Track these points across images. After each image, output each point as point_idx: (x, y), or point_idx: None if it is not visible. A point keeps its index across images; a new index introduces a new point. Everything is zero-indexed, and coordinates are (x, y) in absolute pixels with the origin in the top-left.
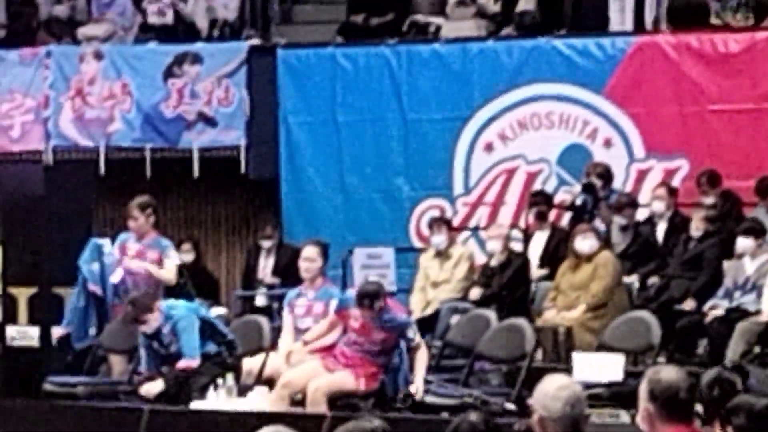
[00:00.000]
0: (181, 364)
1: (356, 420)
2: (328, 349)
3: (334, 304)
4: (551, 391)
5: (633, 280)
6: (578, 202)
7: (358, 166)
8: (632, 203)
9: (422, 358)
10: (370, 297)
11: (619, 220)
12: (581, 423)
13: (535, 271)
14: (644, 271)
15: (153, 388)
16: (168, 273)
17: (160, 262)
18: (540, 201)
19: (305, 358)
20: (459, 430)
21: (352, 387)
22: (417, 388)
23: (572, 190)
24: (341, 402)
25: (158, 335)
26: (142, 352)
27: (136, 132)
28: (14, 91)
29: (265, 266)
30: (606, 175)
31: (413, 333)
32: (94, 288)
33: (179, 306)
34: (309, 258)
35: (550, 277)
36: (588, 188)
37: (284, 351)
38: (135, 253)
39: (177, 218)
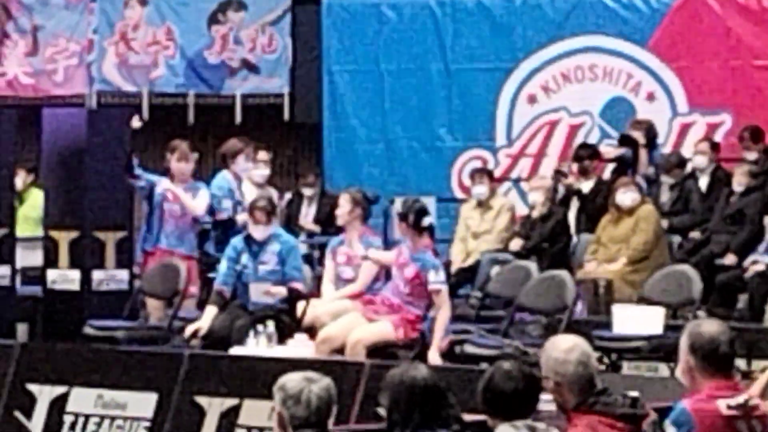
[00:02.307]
0: (293, 284)
1: (403, 367)
2: (370, 298)
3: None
4: (560, 356)
5: (674, 234)
6: (619, 154)
7: (400, 116)
8: (681, 163)
9: (442, 314)
10: (415, 213)
11: (667, 180)
12: (595, 378)
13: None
14: (685, 223)
15: (279, 289)
16: (199, 204)
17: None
18: (585, 154)
19: (347, 307)
20: (493, 378)
21: (391, 337)
22: (435, 351)
23: (614, 143)
24: (380, 351)
25: (261, 247)
26: (224, 265)
27: (180, 78)
28: (59, 35)
29: (307, 214)
30: (650, 131)
31: (436, 276)
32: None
33: (289, 236)
34: (338, 204)
35: (590, 229)
36: (626, 141)
37: (325, 299)
38: (173, 197)
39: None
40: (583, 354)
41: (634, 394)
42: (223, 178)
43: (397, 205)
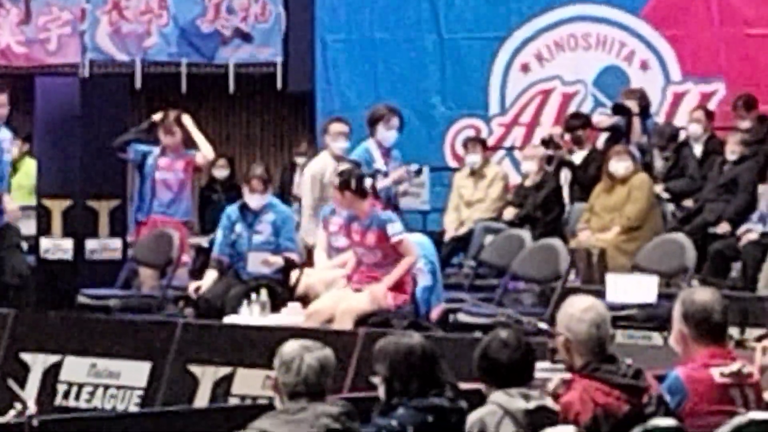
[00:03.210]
0: (287, 254)
1: (396, 336)
2: (350, 275)
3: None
4: (576, 314)
5: (668, 202)
6: (612, 123)
7: (393, 85)
8: (674, 136)
9: (407, 260)
10: (356, 179)
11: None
12: (606, 343)
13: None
14: (679, 187)
15: (275, 258)
16: (205, 150)
17: (189, 164)
18: (577, 124)
19: (340, 276)
20: (490, 347)
21: (381, 304)
22: (382, 287)
23: (607, 111)
24: (374, 320)
25: (256, 217)
26: (219, 234)
27: (173, 47)
28: (51, 4)
29: (299, 182)
30: (643, 100)
31: (393, 228)
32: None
33: (284, 207)
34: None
35: (584, 198)
36: (620, 110)
37: (318, 268)
38: (165, 165)
39: (212, 134)
40: (599, 316)
41: (628, 361)
42: (362, 147)
43: (333, 180)
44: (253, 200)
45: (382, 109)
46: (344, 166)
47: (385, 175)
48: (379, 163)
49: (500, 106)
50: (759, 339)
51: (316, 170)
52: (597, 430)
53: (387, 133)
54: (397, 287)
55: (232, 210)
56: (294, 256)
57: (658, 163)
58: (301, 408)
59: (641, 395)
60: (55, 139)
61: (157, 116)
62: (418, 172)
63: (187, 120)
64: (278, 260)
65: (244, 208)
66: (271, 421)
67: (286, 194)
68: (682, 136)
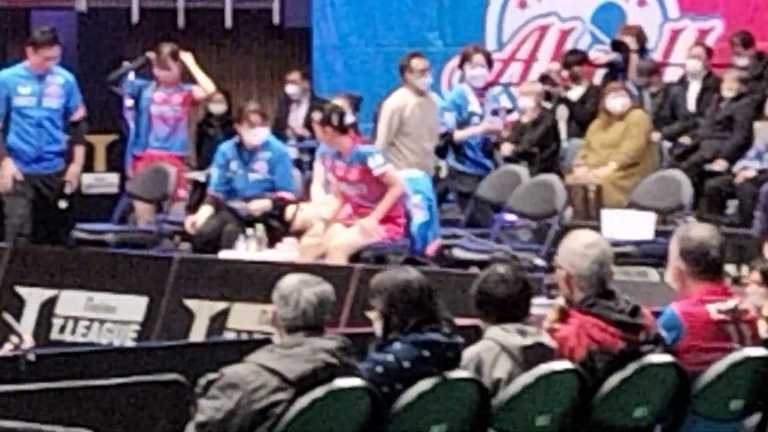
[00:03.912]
0: (281, 194)
1: (393, 271)
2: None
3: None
4: (579, 249)
5: (664, 140)
6: (610, 60)
7: (390, 20)
8: (656, 69)
9: (392, 191)
10: (338, 115)
11: (648, 89)
12: (607, 280)
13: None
14: (675, 130)
15: (261, 204)
16: (205, 85)
17: (186, 99)
18: (574, 60)
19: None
20: (487, 281)
21: (375, 237)
22: (371, 219)
23: (605, 48)
24: (369, 255)
25: (252, 155)
26: (215, 171)
27: None
28: None
29: (296, 118)
30: (640, 37)
31: (374, 161)
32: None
33: (280, 144)
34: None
35: (580, 135)
36: (617, 47)
37: (315, 203)
38: (161, 100)
39: (208, 70)
40: (602, 253)
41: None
42: (456, 90)
43: (315, 115)
44: (253, 135)
45: (467, 49)
46: (329, 104)
47: (481, 117)
48: (474, 105)
49: (497, 42)
50: (751, 270)
51: (396, 105)
52: (592, 365)
53: (473, 72)
54: (389, 220)
55: (227, 147)
56: (289, 196)
57: (647, 106)
58: (299, 342)
59: (637, 332)
60: None
61: (151, 53)
62: (510, 111)
63: (185, 56)
64: (263, 204)
65: (239, 146)
66: (267, 356)
67: (282, 129)
68: (678, 73)
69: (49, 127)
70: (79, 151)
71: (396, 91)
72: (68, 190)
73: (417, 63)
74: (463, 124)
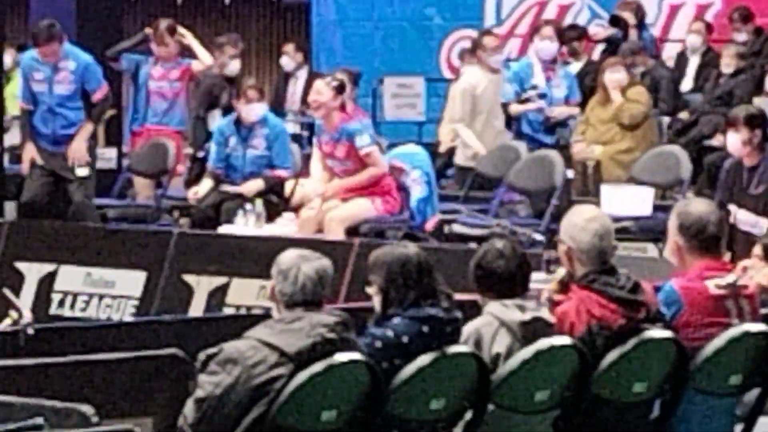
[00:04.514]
0: (278, 171)
1: (392, 246)
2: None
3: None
4: (580, 223)
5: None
6: (609, 35)
7: None
8: (635, 50)
9: (369, 170)
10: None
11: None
12: (608, 255)
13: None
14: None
15: (254, 185)
16: (206, 55)
17: (184, 73)
18: (573, 35)
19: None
20: (486, 257)
21: (371, 212)
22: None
23: (603, 23)
24: (367, 229)
25: (250, 131)
26: (213, 148)
27: None
28: None
29: (294, 93)
30: (639, 12)
31: (361, 140)
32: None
33: (277, 119)
34: (317, 91)
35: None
36: (616, 22)
37: (314, 179)
38: (159, 75)
39: (207, 45)
40: (603, 228)
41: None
42: (524, 61)
43: (323, 80)
44: (251, 111)
45: (539, 21)
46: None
47: (542, 96)
48: (539, 78)
49: (496, 17)
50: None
51: (469, 84)
52: (591, 341)
53: (541, 44)
54: (382, 194)
55: (225, 124)
56: (285, 173)
57: None
58: (297, 317)
59: (638, 309)
60: None
61: (149, 29)
62: (542, 96)
63: (182, 30)
64: (254, 186)
65: (237, 123)
66: (266, 331)
67: (279, 105)
68: (677, 48)
69: (63, 111)
70: (84, 128)
71: (466, 70)
72: (72, 163)
73: (489, 40)
74: (522, 97)
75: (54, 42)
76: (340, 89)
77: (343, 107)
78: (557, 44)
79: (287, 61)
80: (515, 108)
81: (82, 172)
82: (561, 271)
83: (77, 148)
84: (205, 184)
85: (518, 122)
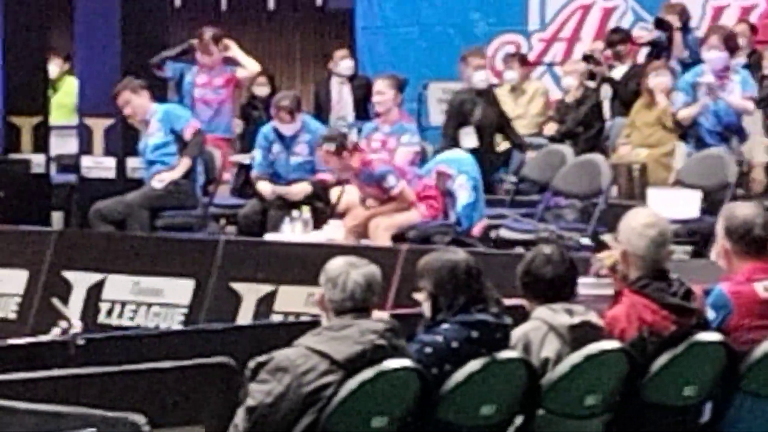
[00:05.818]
0: (321, 175)
1: (440, 252)
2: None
3: (406, 139)
4: (637, 228)
5: None
6: (653, 38)
7: (433, 1)
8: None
9: (407, 215)
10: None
11: None
12: (663, 261)
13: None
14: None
15: (301, 190)
16: (251, 62)
17: (229, 81)
18: (617, 39)
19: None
20: (533, 262)
21: (415, 218)
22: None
23: (648, 26)
24: (415, 235)
25: (293, 138)
26: (258, 154)
27: None
28: None
29: (339, 100)
30: (683, 14)
31: (390, 182)
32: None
33: (318, 124)
34: (379, 91)
35: (624, 114)
36: (661, 25)
37: None
38: (203, 83)
39: (252, 51)
40: (662, 234)
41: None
42: (693, 70)
43: (325, 146)
44: (284, 129)
45: (708, 29)
46: (330, 131)
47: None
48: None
49: (540, 21)
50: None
51: None
52: (642, 347)
53: (708, 54)
54: (427, 198)
55: (267, 130)
56: (329, 177)
57: None
58: (347, 324)
59: (689, 316)
60: (95, 57)
61: (193, 40)
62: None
63: (227, 41)
64: (300, 190)
65: (278, 131)
66: (316, 338)
67: (323, 110)
68: None
69: (159, 162)
70: (182, 163)
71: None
72: (155, 182)
73: (474, 60)
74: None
75: (140, 93)
76: (400, 88)
77: (356, 149)
78: (726, 53)
79: (346, 66)
80: (683, 113)
81: (158, 184)
82: (616, 252)
83: (166, 177)
84: (264, 185)
85: (695, 128)
